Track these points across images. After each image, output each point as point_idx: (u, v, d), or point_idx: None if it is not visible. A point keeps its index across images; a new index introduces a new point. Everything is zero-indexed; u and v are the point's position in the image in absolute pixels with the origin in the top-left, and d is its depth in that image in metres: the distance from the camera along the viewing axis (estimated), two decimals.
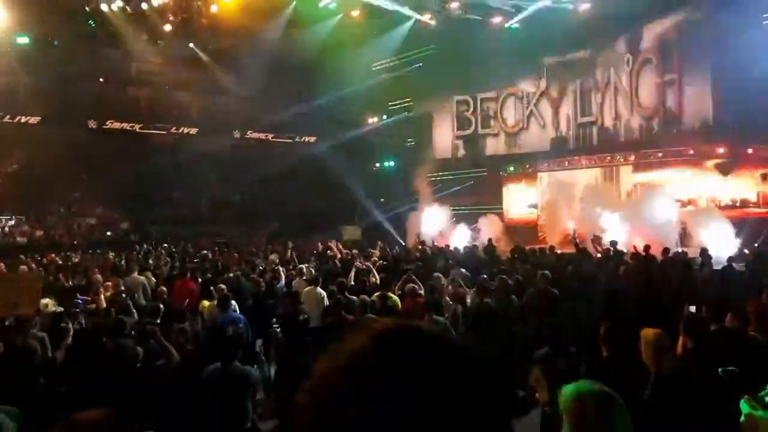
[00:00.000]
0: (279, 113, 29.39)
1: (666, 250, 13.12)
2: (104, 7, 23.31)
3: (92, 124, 29.39)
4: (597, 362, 4.81)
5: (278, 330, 8.47)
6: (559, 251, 15.94)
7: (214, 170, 27.64)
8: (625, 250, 13.79)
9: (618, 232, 16.26)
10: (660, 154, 21.06)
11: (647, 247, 13.23)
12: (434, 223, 23.50)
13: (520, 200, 25.02)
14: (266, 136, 32.54)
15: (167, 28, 25.42)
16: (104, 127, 29.63)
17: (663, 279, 10.29)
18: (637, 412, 2.66)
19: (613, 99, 23.36)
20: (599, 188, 22.01)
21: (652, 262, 11.96)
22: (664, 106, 21.55)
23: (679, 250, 14.19)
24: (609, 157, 23.11)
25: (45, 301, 9.27)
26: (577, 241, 15.23)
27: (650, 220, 17.15)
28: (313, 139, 32.16)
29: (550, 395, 5.00)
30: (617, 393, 2.37)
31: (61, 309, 8.57)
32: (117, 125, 29.86)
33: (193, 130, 31.23)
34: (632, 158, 22.25)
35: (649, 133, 22.09)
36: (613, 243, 14.26)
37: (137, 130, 30.27)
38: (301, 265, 12.85)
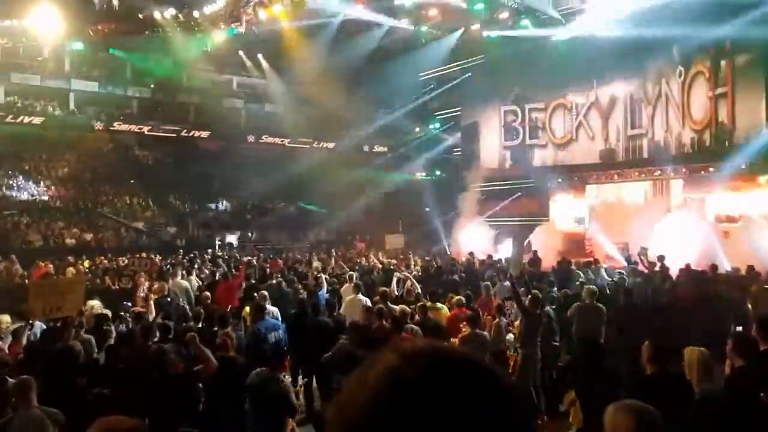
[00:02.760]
0: (328, 120, 29.64)
1: (714, 267, 12.69)
2: (157, 14, 23.93)
3: (142, 129, 30.19)
4: (640, 380, 4.68)
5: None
6: (605, 265, 15.63)
7: (260, 177, 28.01)
8: (669, 266, 13.36)
9: (665, 247, 15.79)
10: (711, 169, 20.38)
11: (688, 266, 12.80)
12: (479, 233, 23.32)
13: (567, 212, 24.54)
14: (315, 143, 32.87)
15: (218, 36, 25.96)
16: (154, 132, 30.40)
17: (711, 296, 9.91)
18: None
19: (664, 111, 22.77)
20: (647, 202, 21.52)
21: (701, 278, 11.57)
22: (716, 119, 20.91)
23: (728, 267, 13.65)
24: (659, 171, 22.51)
25: (92, 303, 9.48)
26: (629, 255, 14.77)
27: (698, 236, 16.63)
28: (363, 147, 32.35)
29: (585, 417, 4.84)
30: (660, 412, 2.41)
31: (107, 311, 8.74)
32: (166, 131, 30.60)
33: (241, 137, 31.78)
34: (683, 171, 21.62)
35: (701, 146, 21.43)
36: (661, 258, 13.82)
37: (186, 135, 30.95)
38: (351, 272, 12.82)
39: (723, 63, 20.44)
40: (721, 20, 19.00)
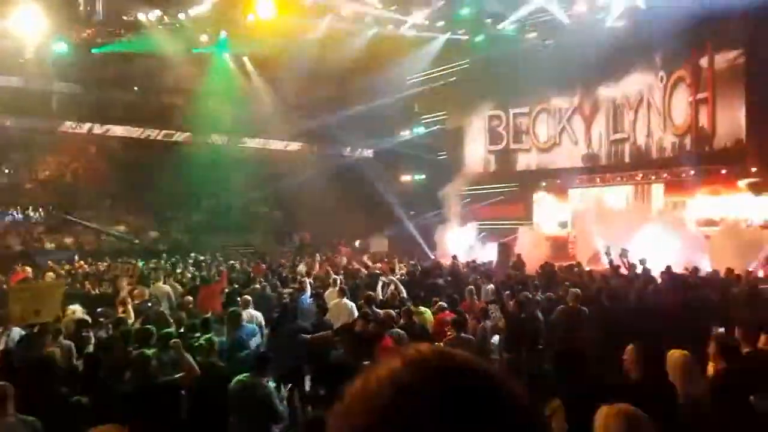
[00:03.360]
0: (312, 123, 29.54)
1: (696, 270, 12.81)
2: (141, 16, 23.73)
3: (125, 131, 29.90)
4: (625, 385, 4.66)
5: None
6: (588, 268, 15.73)
7: (244, 179, 27.82)
8: (651, 269, 13.46)
9: (647, 250, 15.93)
10: (692, 173, 20.65)
11: (669, 268, 12.91)
12: (463, 237, 23.37)
13: (550, 216, 24.72)
14: (299, 145, 32.74)
15: (203, 38, 25.80)
16: (137, 134, 30.13)
17: (693, 299, 9.99)
18: None
19: (646, 116, 23.09)
20: (629, 205, 21.79)
21: (683, 281, 11.67)
22: (697, 124, 21.19)
23: (709, 269, 13.80)
24: (641, 175, 22.79)
25: (73, 308, 9.33)
26: (610, 258, 14.83)
27: (679, 239, 16.85)
28: (346, 150, 32.27)
29: (570, 424, 4.83)
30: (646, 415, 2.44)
31: (87, 318, 8.60)
32: (150, 133, 30.33)
33: (226, 139, 31.57)
34: (664, 176, 21.92)
35: (682, 151, 21.71)
36: (643, 261, 13.92)
37: (170, 138, 30.69)
38: (335, 276, 12.76)
39: (704, 68, 20.73)
40: (702, 26, 19.30)
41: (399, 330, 7.56)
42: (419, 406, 0.68)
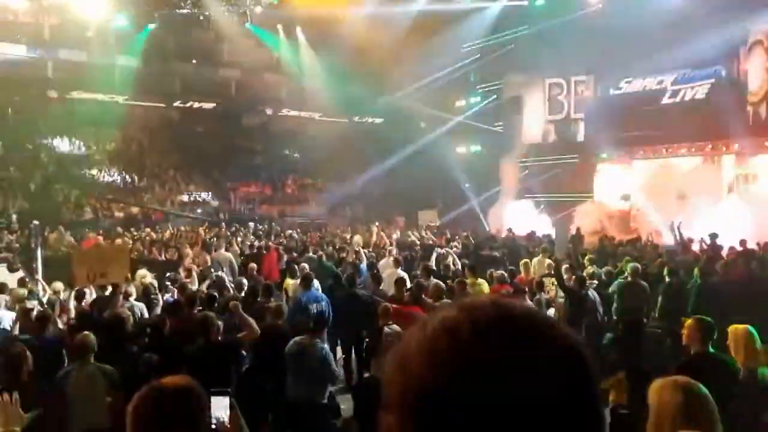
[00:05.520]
0: (366, 95, 29.49)
1: (766, 245, 12.27)
2: None
3: (185, 103, 30.62)
4: (686, 359, 4.63)
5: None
6: (651, 242, 15.31)
7: (300, 151, 28.15)
8: (720, 244, 12.93)
9: (716, 224, 15.31)
10: (766, 143, 19.58)
11: (743, 243, 12.39)
12: (520, 209, 23.03)
13: (612, 189, 23.97)
14: (352, 118, 32.81)
15: (258, 10, 25.98)
16: (197, 106, 30.81)
17: (761, 274, 9.62)
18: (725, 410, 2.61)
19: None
20: (698, 178, 20.81)
21: (753, 256, 11.21)
22: None
23: None
24: (710, 146, 21.72)
25: (142, 272, 9.77)
26: (678, 232, 14.25)
27: (750, 214, 16.12)
28: (400, 122, 32.14)
29: (630, 397, 4.78)
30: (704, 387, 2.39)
31: (154, 282, 8.97)
32: (209, 105, 30.96)
33: (282, 111, 31.92)
34: (735, 147, 20.80)
35: (756, 120, 20.54)
36: (713, 236, 13.33)
37: (228, 110, 31.26)
38: (391, 247, 12.88)
39: None
40: None
41: (449, 302, 7.55)
42: (475, 354, 0.67)
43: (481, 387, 0.65)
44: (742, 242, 12.53)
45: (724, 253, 12.05)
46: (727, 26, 20.18)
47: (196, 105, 30.78)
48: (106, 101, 28.55)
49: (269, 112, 32.03)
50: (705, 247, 12.82)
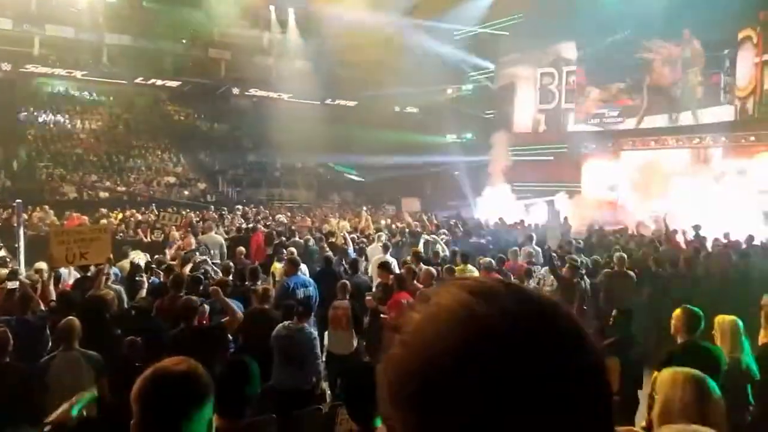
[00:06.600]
0: (357, 80, 29.31)
1: (750, 238, 12.37)
2: None
3: (174, 83, 30.26)
4: (673, 348, 4.65)
5: None
6: (637, 233, 15.39)
7: (290, 134, 27.93)
8: (704, 236, 13.06)
9: (702, 216, 15.44)
10: (752, 138, 19.73)
11: (727, 236, 12.52)
12: (509, 198, 23.07)
13: (600, 179, 24.08)
14: (343, 102, 32.63)
15: None
16: (185, 87, 30.46)
17: (743, 267, 9.71)
18: None
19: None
20: (686, 171, 20.98)
21: (735, 249, 11.31)
22: (761, 86, 20.12)
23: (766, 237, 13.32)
24: (698, 139, 21.88)
25: (135, 253, 9.68)
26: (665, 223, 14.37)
27: (736, 207, 16.28)
28: (394, 108, 32.01)
29: (621, 384, 4.82)
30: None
31: (141, 263, 8.85)
32: (198, 86, 30.62)
33: (273, 94, 31.66)
34: (722, 141, 20.97)
35: (743, 115, 20.71)
36: (696, 227, 13.48)
37: (217, 91, 30.97)
38: (379, 232, 12.85)
39: None
40: None
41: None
42: (499, 338, 0.62)
43: (502, 376, 0.60)
44: (726, 235, 12.65)
45: (709, 245, 12.17)
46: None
47: (182, 84, 30.39)
48: (92, 78, 28.13)
49: (260, 93, 31.74)
50: (690, 239, 12.94)
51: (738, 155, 20.14)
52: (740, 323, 4.63)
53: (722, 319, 4.63)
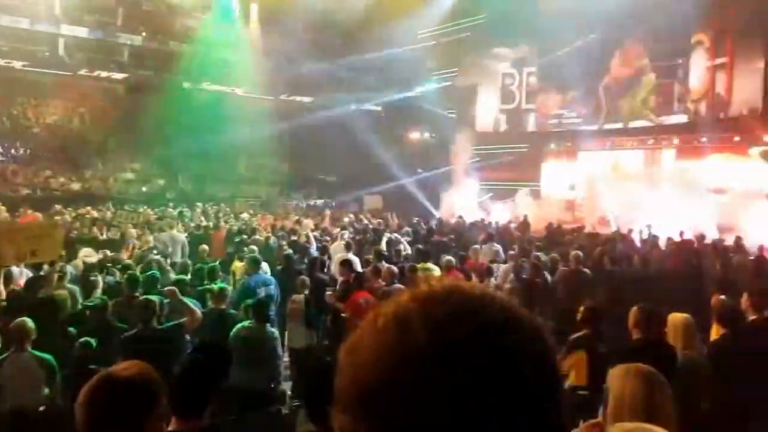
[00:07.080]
0: (320, 75, 29.10)
1: (702, 237, 12.77)
2: None
3: (132, 77, 29.57)
4: (629, 345, 4.76)
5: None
6: (594, 231, 15.73)
7: (252, 130, 27.61)
8: (657, 234, 13.46)
9: (656, 215, 15.87)
10: (704, 139, 20.37)
11: (681, 234, 12.90)
12: (470, 196, 23.26)
13: (559, 178, 24.52)
14: (305, 98, 32.36)
15: None
16: (144, 81, 29.78)
17: (695, 265, 10.02)
18: None
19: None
20: (640, 170, 21.57)
21: (688, 247, 11.67)
22: (713, 90, 20.76)
23: (716, 237, 13.76)
24: (652, 140, 22.50)
25: (86, 251, 9.43)
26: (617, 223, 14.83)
27: (688, 206, 16.76)
28: (354, 105, 31.85)
29: (590, 378, 4.90)
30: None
31: (95, 262, 8.67)
32: (157, 79, 29.96)
33: (235, 89, 31.20)
34: (675, 142, 21.65)
35: (696, 116, 21.36)
36: (649, 226, 13.92)
37: (177, 85, 30.33)
38: (343, 231, 12.84)
39: (724, 33, 20.14)
40: None
41: (402, 287, 7.59)
42: (429, 349, 0.62)
43: (430, 386, 0.61)
44: (681, 233, 13.02)
45: (662, 243, 12.53)
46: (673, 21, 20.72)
47: (143, 77, 29.70)
48: (47, 72, 27.32)
49: (222, 89, 31.24)
50: (644, 237, 13.32)
51: (690, 156, 20.74)
52: (692, 321, 4.75)
53: (675, 317, 4.74)
